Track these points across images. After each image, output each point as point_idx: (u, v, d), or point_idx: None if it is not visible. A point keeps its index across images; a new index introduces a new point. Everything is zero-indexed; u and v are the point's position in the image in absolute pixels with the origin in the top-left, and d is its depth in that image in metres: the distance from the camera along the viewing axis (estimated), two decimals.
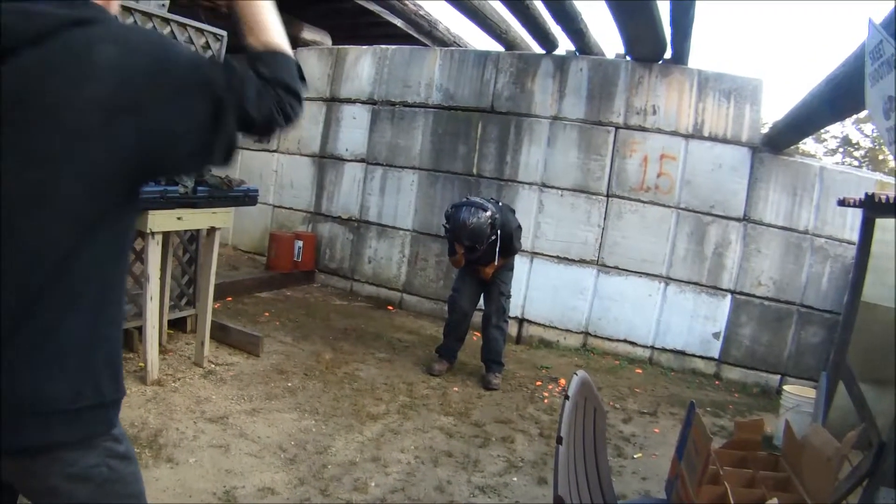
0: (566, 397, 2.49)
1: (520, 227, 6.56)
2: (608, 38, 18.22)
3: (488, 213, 6.03)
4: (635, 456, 5.24)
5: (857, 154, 24.45)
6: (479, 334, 6.78)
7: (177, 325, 6.49)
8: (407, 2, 8.96)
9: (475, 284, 6.53)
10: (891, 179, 7.64)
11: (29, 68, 1.40)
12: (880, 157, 22.18)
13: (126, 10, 5.43)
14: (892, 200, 4.57)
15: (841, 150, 24.82)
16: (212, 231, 5.81)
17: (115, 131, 1.45)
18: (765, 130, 7.86)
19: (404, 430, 5.08)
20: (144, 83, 1.48)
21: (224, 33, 6.44)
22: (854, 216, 6.75)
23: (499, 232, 6.14)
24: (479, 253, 6.13)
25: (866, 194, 4.94)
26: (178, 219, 5.33)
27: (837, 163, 21.95)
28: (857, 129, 23.48)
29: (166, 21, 5.82)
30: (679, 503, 2.96)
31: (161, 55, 1.54)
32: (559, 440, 2.29)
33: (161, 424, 4.54)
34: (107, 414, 1.66)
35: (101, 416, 1.64)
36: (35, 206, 1.44)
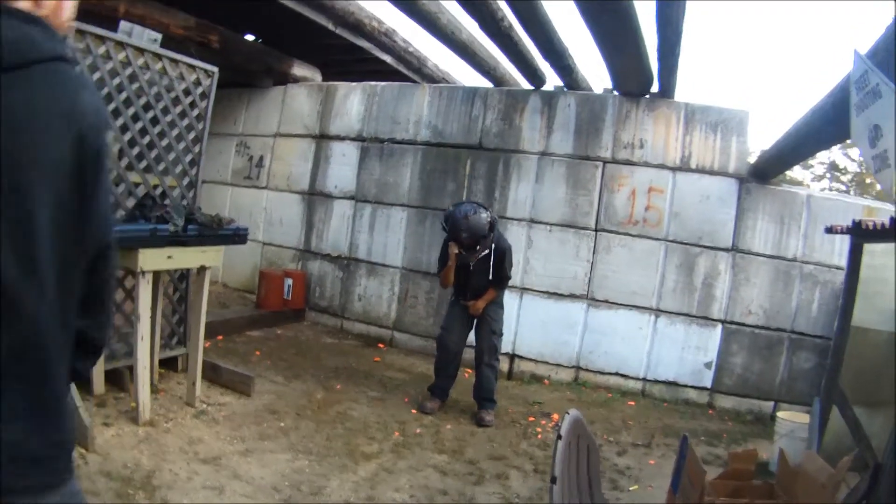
0: (559, 437, 2.50)
1: (511, 249, 6.58)
2: (596, 72, 18.37)
3: (487, 214, 6.21)
4: (631, 488, 5.22)
5: (844, 179, 24.69)
6: (470, 371, 6.76)
7: (168, 365, 6.45)
8: (396, 39, 9.05)
9: (465, 322, 6.54)
10: (877, 204, 7.71)
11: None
12: (867, 181, 22.39)
13: (119, 45, 5.47)
14: (878, 226, 4.62)
15: (828, 175, 25.06)
16: (202, 270, 5.80)
17: None
18: (752, 161, 7.94)
19: (398, 469, 5.04)
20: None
21: (215, 69, 6.49)
22: (842, 242, 6.81)
23: (493, 246, 6.26)
24: (474, 256, 6.23)
25: (854, 221, 5.01)
26: (169, 257, 5.33)
27: (824, 189, 22.14)
28: (843, 153, 23.73)
29: (158, 57, 5.86)
30: None
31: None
32: (553, 480, 2.30)
33: (154, 465, 4.50)
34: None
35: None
36: None
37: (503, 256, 6.34)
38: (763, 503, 3.03)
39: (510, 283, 6.98)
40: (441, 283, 6.70)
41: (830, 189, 23.81)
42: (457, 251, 6.25)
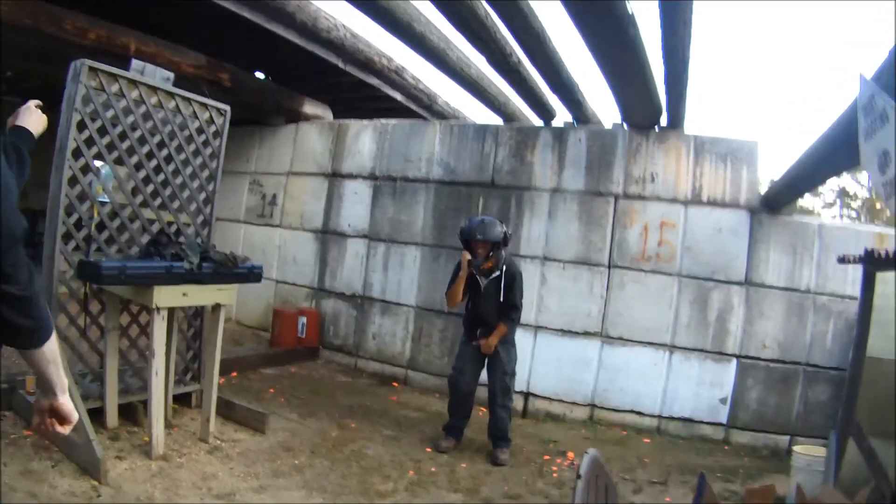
0: (578, 476, 2.48)
1: (522, 276, 6.57)
2: (604, 105, 18.48)
3: (502, 226, 6.35)
4: None
5: (854, 205, 24.67)
6: (485, 409, 6.73)
7: (182, 400, 6.50)
8: (406, 76, 9.14)
9: (476, 362, 6.52)
10: (889, 230, 7.65)
11: None
12: (877, 207, 22.37)
13: (131, 83, 5.56)
14: (891, 254, 4.60)
15: (838, 201, 25.04)
16: (217, 307, 5.84)
17: None
18: (762, 191, 7.94)
19: None
20: None
21: (227, 108, 6.59)
22: (854, 271, 6.78)
23: (504, 268, 6.33)
24: (486, 265, 6.30)
25: (865, 250, 4.99)
26: (184, 294, 5.42)
27: (835, 216, 22.06)
28: (853, 179, 23.74)
29: (171, 95, 5.96)
30: None
31: None
32: None
33: (167, 500, 4.52)
34: None
35: None
36: None
37: (514, 280, 6.36)
38: None
39: (524, 321, 6.98)
40: (449, 300, 6.61)
41: (841, 216, 23.79)
42: (469, 258, 6.30)
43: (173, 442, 5.56)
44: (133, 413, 5.83)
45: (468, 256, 6.31)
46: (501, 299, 6.33)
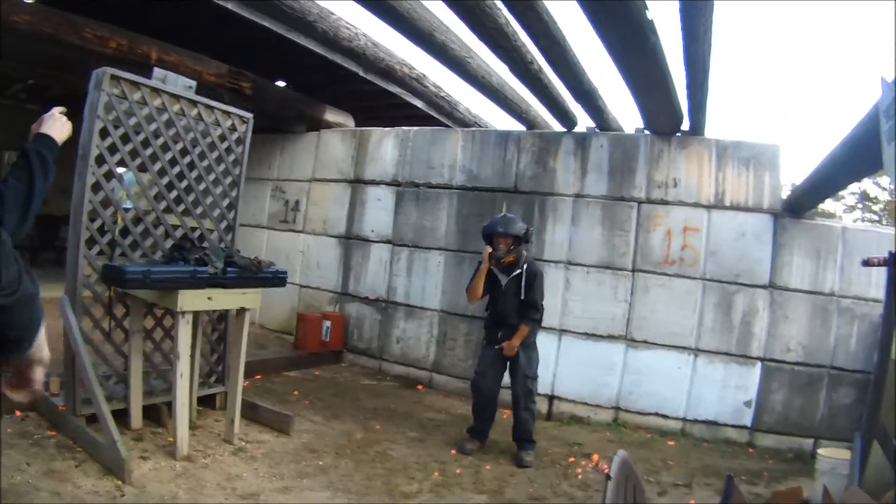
0: (608, 477, 2.52)
1: (543, 276, 6.63)
2: (626, 112, 18.42)
3: (523, 223, 6.52)
4: None
5: (875, 208, 24.48)
6: (509, 412, 6.75)
7: (206, 402, 6.59)
8: (427, 84, 9.18)
9: (498, 365, 6.54)
10: None
11: None
12: None
13: (154, 91, 5.66)
14: None
15: (860, 205, 24.86)
16: (241, 311, 5.90)
17: None
18: (784, 195, 7.93)
19: None
20: None
21: (250, 115, 6.67)
22: (878, 274, 6.74)
23: (525, 266, 6.41)
24: (507, 259, 6.39)
25: (890, 252, 4.98)
26: (209, 298, 5.47)
27: (857, 220, 21.88)
28: (874, 183, 23.57)
29: (193, 103, 6.04)
30: None
31: None
32: None
33: (191, 500, 4.58)
34: None
35: None
36: None
37: (534, 279, 6.43)
38: None
39: (548, 324, 7.02)
40: (470, 295, 6.66)
41: (863, 220, 23.61)
42: (490, 251, 6.39)
43: (197, 443, 5.63)
44: (157, 414, 5.92)
45: (489, 250, 6.40)
46: (522, 297, 6.38)
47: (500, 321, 6.54)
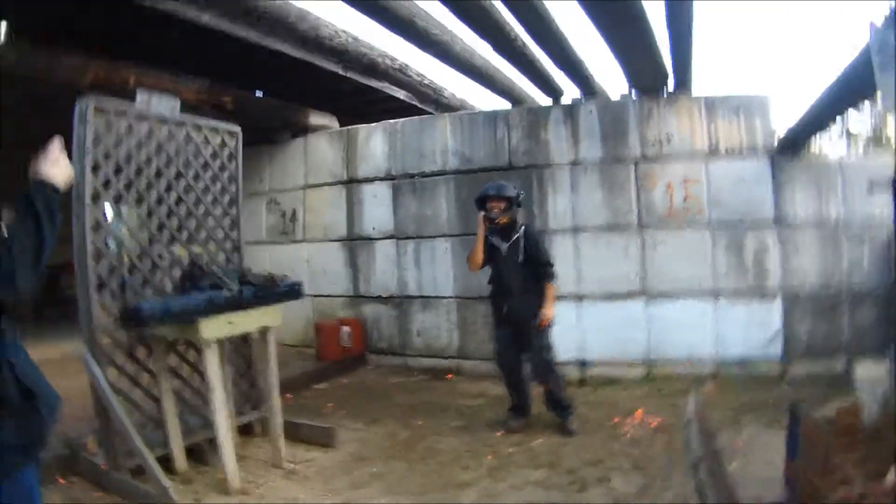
0: (687, 421, 2.57)
1: (543, 235, 6.80)
2: (609, 80, 18.44)
3: (515, 188, 6.51)
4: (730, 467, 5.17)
5: (859, 142, 24.82)
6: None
7: (244, 431, 6.42)
8: (411, 73, 9.13)
9: (515, 342, 6.49)
10: None
11: None
12: (883, 141, 22.56)
13: (141, 118, 5.53)
14: None
15: (845, 141, 25.13)
16: (265, 331, 5.77)
17: None
18: (777, 139, 8.08)
19: (500, 492, 5.07)
20: None
21: (238, 129, 6.55)
22: (879, 198, 7.13)
23: (523, 230, 6.43)
24: (500, 217, 6.36)
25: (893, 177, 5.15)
26: (230, 323, 5.30)
27: (843, 155, 22.21)
28: (856, 119, 23.81)
29: (181, 124, 5.93)
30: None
31: None
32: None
33: None
34: None
35: None
36: None
37: (534, 239, 6.46)
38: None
39: (564, 291, 7.11)
40: (470, 263, 6.63)
41: (849, 153, 23.97)
42: (483, 214, 6.39)
43: (247, 473, 5.45)
44: (200, 453, 5.73)
45: (483, 214, 6.41)
46: (520, 259, 6.35)
47: (505, 290, 6.50)
